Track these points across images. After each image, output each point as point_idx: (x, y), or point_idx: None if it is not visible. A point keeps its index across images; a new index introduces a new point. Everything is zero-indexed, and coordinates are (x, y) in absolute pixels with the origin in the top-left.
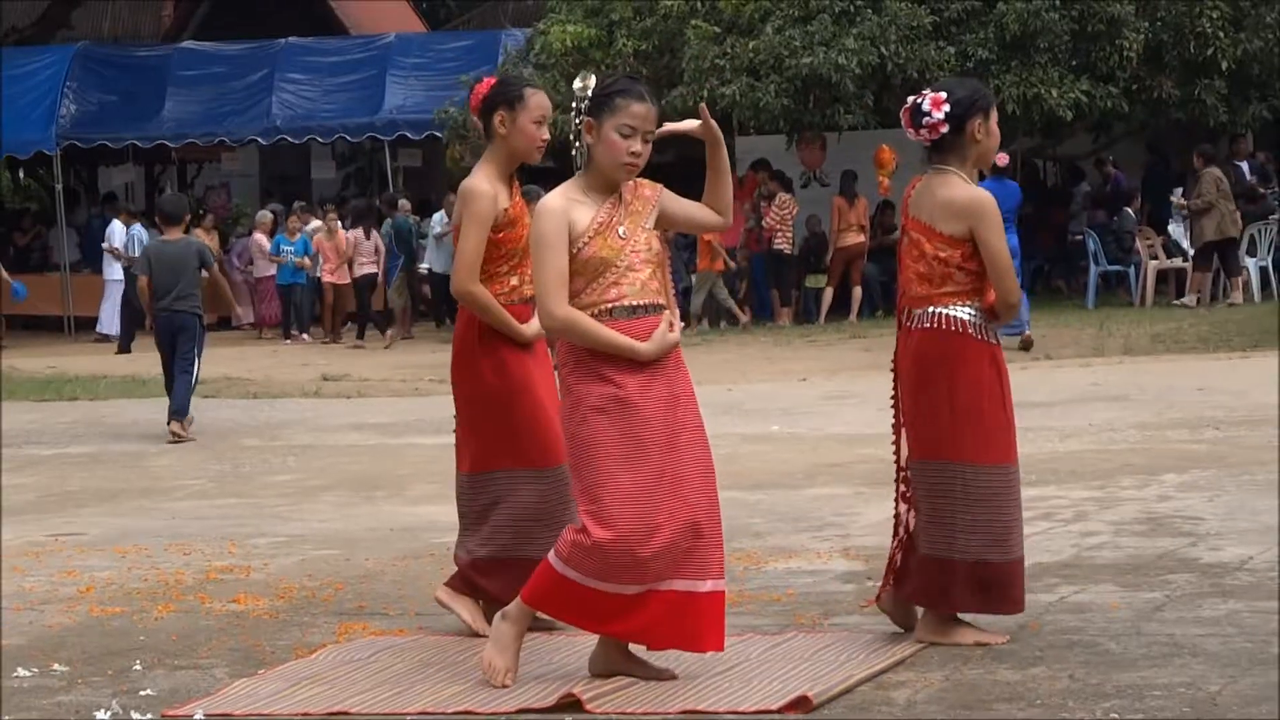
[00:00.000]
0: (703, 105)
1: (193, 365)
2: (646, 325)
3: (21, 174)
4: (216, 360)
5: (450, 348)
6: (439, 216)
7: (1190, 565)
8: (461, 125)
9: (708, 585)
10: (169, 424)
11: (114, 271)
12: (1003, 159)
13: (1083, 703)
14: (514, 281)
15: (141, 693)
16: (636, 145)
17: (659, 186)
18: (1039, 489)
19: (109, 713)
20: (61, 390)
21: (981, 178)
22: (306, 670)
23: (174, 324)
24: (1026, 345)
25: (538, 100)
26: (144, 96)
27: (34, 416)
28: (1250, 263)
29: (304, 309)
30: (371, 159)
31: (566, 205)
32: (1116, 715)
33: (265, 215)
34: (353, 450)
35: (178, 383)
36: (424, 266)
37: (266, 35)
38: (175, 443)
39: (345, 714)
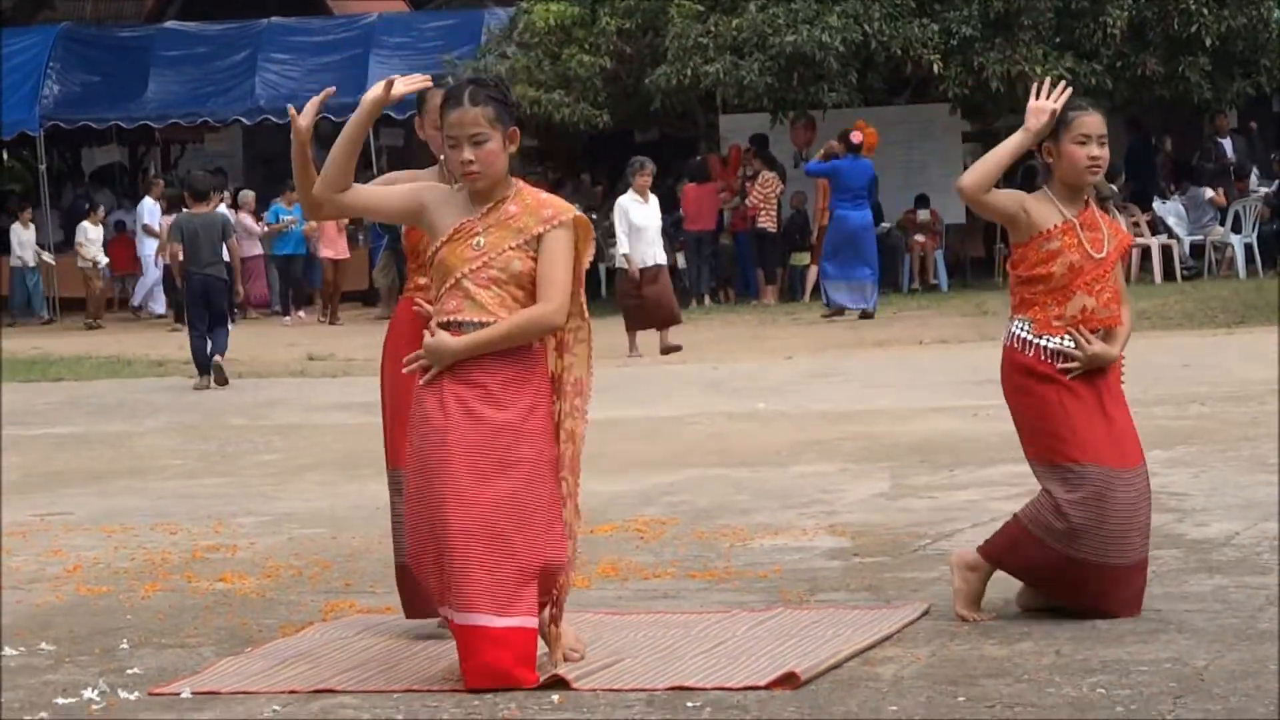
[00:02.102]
0: None
1: (226, 318)
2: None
3: (5, 155)
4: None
5: None
6: None
7: (1176, 541)
8: None
9: (479, 619)
10: (213, 365)
11: (147, 247)
12: (856, 136)
13: (1069, 678)
14: (422, 280)
15: (128, 671)
16: (466, 153)
17: (564, 216)
18: (1024, 466)
19: (96, 691)
20: (47, 371)
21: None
22: (293, 648)
23: (207, 285)
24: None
25: (435, 104)
26: (127, 77)
27: (19, 397)
28: (1235, 239)
29: (303, 285)
30: None
31: (436, 200)
32: (1103, 690)
33: (248, 194)
34: (339, 429)
35: (217, 333)
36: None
37: (249, 15)
38: (223, 383)
39: (332, 692)
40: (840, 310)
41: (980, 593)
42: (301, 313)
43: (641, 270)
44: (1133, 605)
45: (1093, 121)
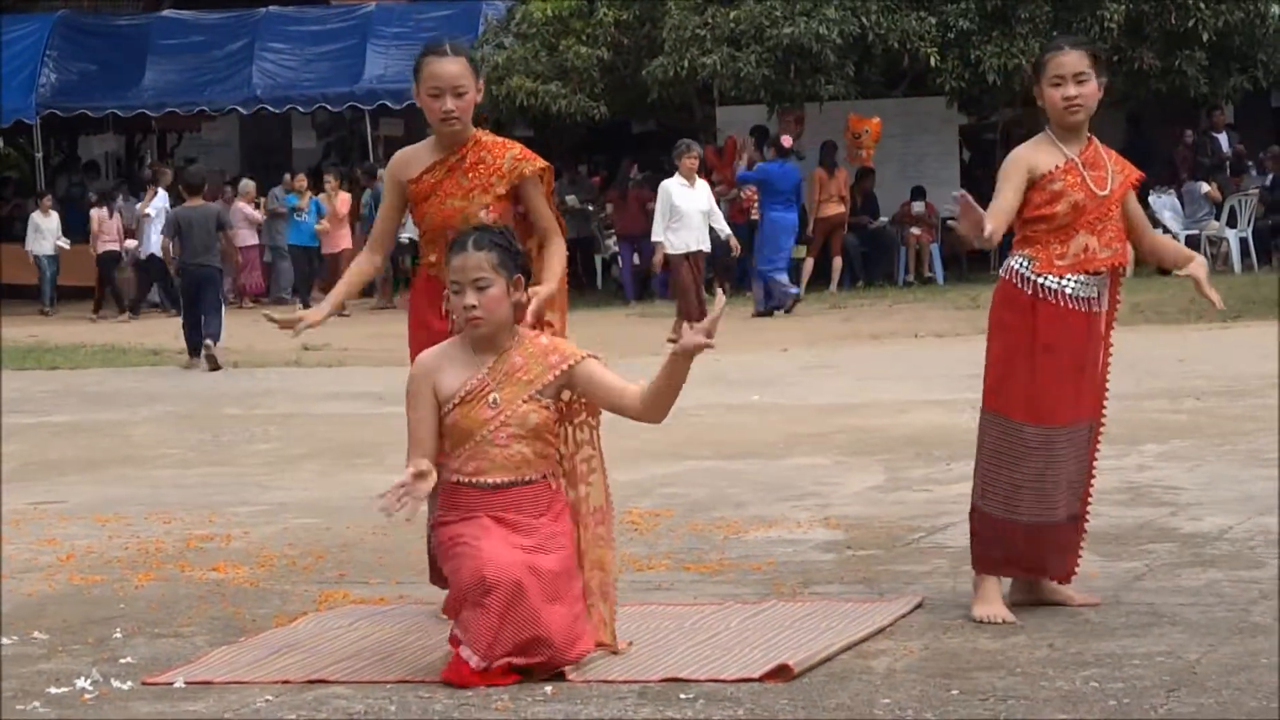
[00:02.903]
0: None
1: (220, 306)
2: (508, 498)
3: (1, 143)
4: None
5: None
6: None
7: (1170, 535)
8: None
9: (467, 653)
10: (205, 353)
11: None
12: (786, 140)
13: (1062, 671)
14: (431, 258)
15: (122, 660)
16: (469, 299)
17: (575, 355)
18: None
19: (89, 680)
20: (42, 359)
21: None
22: (287, 638)
23: (199, 276)
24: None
25: (431, 69)
26: (124, 65)
27: (15, 385)
28: (1230, 234)
29: (310, 277)
30: (352, 129)
31: (436, 364)
32: (1096, 684)
33: (248, 184)
34: (334, 419)
35: (209, 320)
36: (405, 236)
37: (247, 4)
38: (214, 369)
39: (325, 682)
40: (796, 301)
41: (993, 591)
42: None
43: (685, 255)
44: (1070, 565)
45: (1067, 61)
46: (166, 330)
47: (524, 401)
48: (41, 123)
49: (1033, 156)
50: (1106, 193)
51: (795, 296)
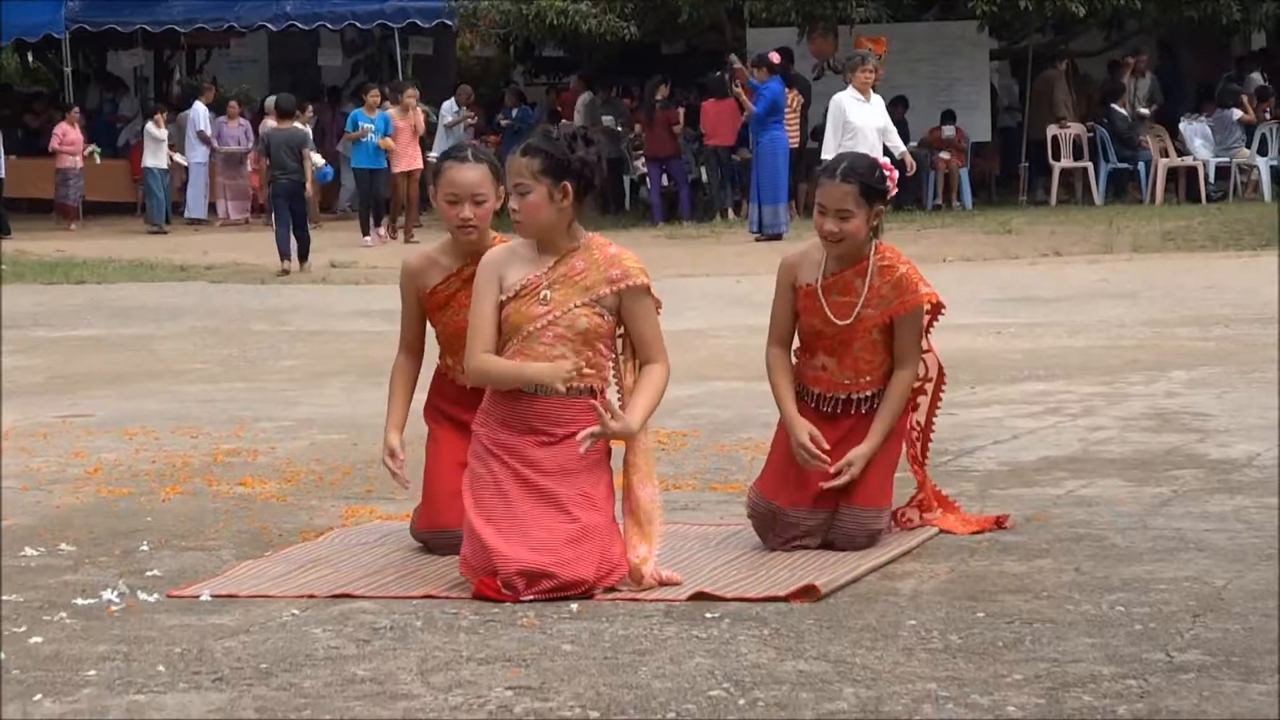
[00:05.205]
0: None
1: (305, 220)
2: (546, 407)
3: (30, 57)
4: (227, 246)
5: None
6: (449, 105)
7: (1198, 461)
8: (472, 14)
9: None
10: (301, 265)
11: (197, 154)
12: (775, 56)
13: (1088, 595)
14: (449, 360)
15: (148, 573)
16: (512, 202)
17: (637, 276)
18: (1047, 384)
19: (115, 592)
20: (69, 273)
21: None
22: (312, 553)
23: (287, 189)
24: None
25: (450, 176)
26: None
27: (41, 299)
28: (1261, 162)
29: (382, 200)
30: (381, 47)
31: (503, 259)
32: (1122, 608)
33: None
34: (361, 336)
35: (301, 232)
36: (433, 155)
37: None
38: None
39: (350, 596)
40: (779, 234)
41: None
42: (382, 230)
43: None
44: None
45: (831, 194)
46: (194, 246)
47: (577, 305)
48: (70, 37)
49: (796, 268)
50: (847, 322)
51: (781, 234)
